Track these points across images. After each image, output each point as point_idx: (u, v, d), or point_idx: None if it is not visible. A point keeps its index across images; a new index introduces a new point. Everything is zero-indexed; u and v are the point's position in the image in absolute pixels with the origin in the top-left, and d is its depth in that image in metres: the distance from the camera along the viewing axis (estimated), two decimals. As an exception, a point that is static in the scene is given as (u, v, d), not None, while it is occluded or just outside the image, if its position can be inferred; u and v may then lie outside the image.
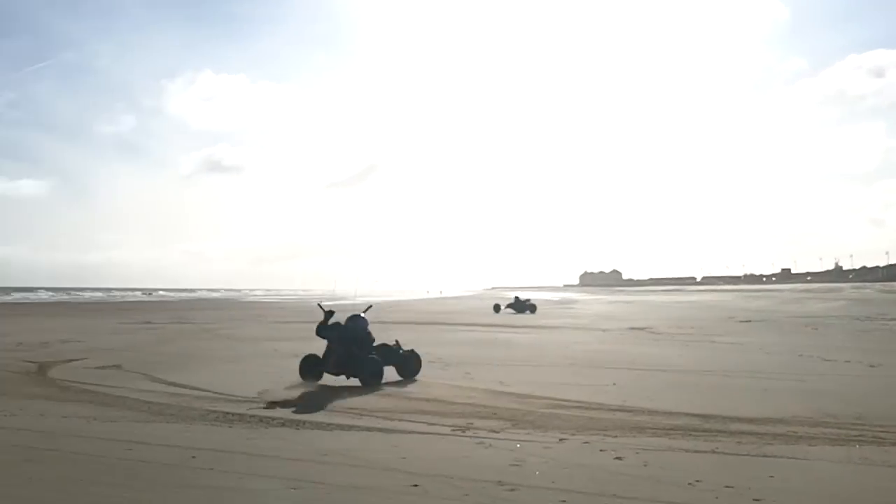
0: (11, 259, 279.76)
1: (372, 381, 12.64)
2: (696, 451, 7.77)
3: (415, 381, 13.17)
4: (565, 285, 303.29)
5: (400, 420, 9.59)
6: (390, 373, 13.21)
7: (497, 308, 47.08)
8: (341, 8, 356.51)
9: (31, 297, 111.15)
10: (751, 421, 9.30)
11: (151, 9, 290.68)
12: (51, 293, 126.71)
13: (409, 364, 13.54)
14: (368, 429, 9.07)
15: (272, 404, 10.97)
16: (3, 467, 7.35)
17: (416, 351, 13.94)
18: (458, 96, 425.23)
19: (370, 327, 13.30)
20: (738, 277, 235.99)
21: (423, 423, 9.41)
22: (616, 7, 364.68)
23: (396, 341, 13.87)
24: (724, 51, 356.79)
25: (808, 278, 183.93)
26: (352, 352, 12.86)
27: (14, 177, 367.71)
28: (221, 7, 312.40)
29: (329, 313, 13.29)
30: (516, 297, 47.70)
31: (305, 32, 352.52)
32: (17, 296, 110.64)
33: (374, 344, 13.36)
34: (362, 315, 13.42)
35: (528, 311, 44.99)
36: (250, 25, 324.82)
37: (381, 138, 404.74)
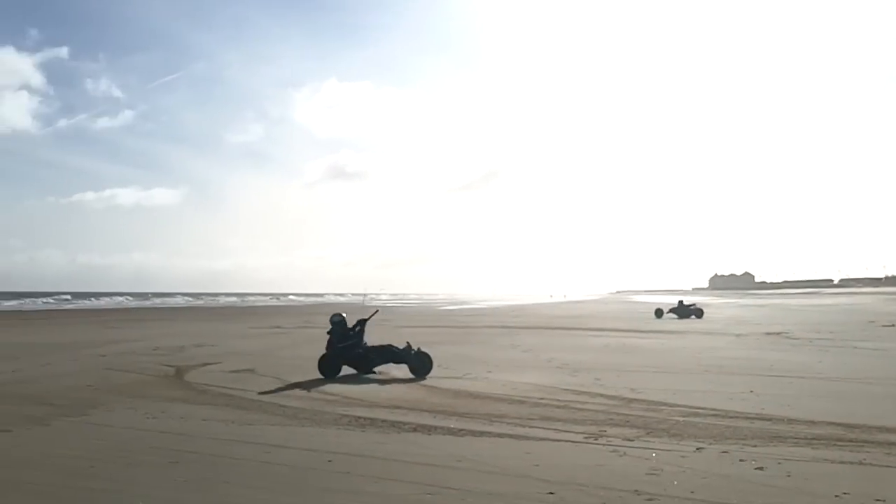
0: (147, 265, 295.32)
1: (321, 367, 15.23)
2: (841, 462, 7.39)
3: (538, 386, 13.07)
4: (694, 288, 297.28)
5: (531, 427, 9.49)
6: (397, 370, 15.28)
7: (659, 313, 45.57)
8: (458, 11, 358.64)
9: (169, 301, 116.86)
10: (900, 431, 8.82)
11: (277, 19, 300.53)
12: (188, 298, 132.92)
13: (412, 361, 15.13)
14: (500, 435, 9.01)
15: (400, 409, 11.07)
16: (147, 468, 7.64)
17: (428, 351, 15.43)
18: (579, 99, 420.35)
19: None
20: (879, 279, 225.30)
21: (554, 429, 9.30)
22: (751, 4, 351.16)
23: (408, 343, 15.58)
24: (863, 43, 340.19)
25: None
26: (331, 344, 15.57)
27: (147, 186, 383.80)
28: (342, 16, 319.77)
29: (361, 321, 15.92)
30: (680, 302, 46.30)
31: (424, 37, 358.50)
32: (155, 300, 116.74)
33: (375, 345, 15.68)
34: (343, 315, 15.89)
35: (692, 316, 43.56)
36: (371, 32, 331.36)
37: (502, 143, 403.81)
